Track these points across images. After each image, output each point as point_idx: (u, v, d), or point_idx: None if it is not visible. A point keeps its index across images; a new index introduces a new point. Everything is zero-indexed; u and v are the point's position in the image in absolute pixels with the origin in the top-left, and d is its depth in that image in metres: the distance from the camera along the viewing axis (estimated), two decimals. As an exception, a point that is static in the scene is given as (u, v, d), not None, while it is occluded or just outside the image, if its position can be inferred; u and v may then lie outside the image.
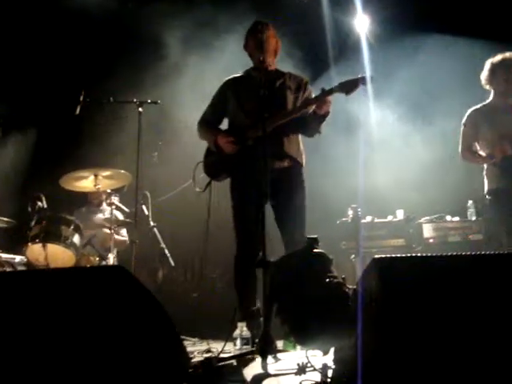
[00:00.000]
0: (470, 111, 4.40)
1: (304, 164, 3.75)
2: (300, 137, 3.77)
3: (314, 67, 5.62)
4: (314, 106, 3.53)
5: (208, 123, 3.86)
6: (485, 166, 4.34)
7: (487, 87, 4.36)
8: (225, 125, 3.89)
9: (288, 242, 3.57)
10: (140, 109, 4.64)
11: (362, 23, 6.20)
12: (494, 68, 4.24)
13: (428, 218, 5.60)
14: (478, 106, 4.39)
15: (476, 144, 4.39)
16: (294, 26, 5.43)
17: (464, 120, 4.42)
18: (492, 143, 4.21)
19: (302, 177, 3.72)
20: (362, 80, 3.41)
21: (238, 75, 3.84)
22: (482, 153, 4.33)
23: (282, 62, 4.12)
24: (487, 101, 4.38)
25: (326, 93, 3.45)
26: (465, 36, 5.75)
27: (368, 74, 3.42)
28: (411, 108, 6.07)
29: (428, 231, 5.51)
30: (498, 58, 4.25)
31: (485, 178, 4.36)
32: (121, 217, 5.47)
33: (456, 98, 5.65)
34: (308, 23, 5.88)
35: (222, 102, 3.82)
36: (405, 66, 5.96)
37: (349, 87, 3.41)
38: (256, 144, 3.49)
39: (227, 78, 3.86)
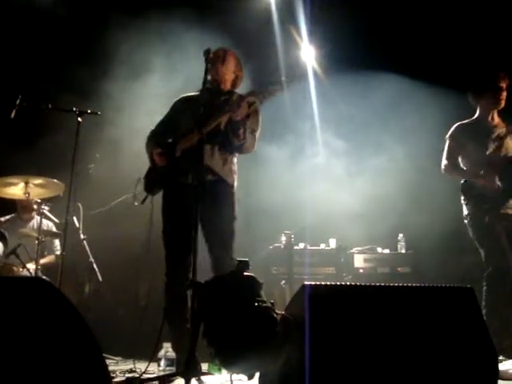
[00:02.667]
0: (456, 125, 4.30)
1: (233, 184, 3.66)
2: (232, 157, 3.69)
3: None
4: (229, 114, 3.46)
5: (155, 137, 3.83)
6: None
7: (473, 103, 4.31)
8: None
9: (214, 260, 3.51)
10: (79, 118, 4.52)
11: (308, 54, 6.34)
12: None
13: (360, 248, 5.72)
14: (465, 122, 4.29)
15: (459, 158, 4.26)
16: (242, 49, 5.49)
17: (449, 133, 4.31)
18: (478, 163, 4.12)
19: (231, 196, 3.63)
20: (275, 83, 3.36)
21: (191, 94, 3.82)
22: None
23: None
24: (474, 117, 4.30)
25: (241, 97, 3.43)
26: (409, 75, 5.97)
27: (282, 77, 3.37)
28: (353, 141, 6.22)
29: (359, 261, 5.63)
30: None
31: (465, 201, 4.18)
32: (52, 227, 5.31)
33: (399, 134, 5.87)
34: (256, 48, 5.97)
35: (172, 118, 3.81)
36: (351, 101, 6.12)
37: (261, 92, 3.40)
38: (182, 157, 3.50)
39: (180, 96, 3.86)
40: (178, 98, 3.88)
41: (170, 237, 3.62)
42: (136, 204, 3.86)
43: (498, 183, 4.01)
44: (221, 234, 3.54)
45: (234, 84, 3.81)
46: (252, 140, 3.61)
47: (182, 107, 3.78)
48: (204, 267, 3.31)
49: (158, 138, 3.80)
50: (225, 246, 3.53)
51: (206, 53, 3.27)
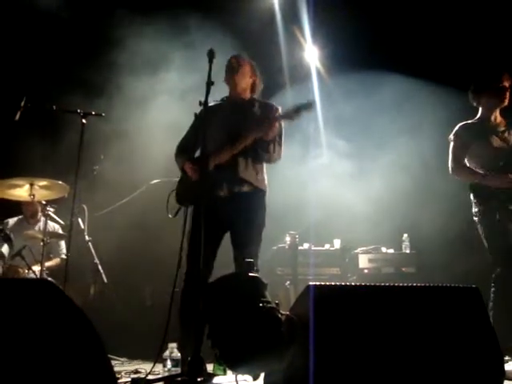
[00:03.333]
0: (460, 124, 4.25)
1: (266, 191, 3.75)
2: (262, 166, 3.77)
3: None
4: (261, 133, 3.56)
5: (183, 150, 3.86)
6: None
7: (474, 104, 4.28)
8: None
9: (238, 265, 3.52)
10: (84, 120, 4.53)
11: (311, 54, 6.34)
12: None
13: (364, 248, 5.71)
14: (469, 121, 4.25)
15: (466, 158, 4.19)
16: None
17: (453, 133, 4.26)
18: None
19: (263, 204, 3.71)
20: (307, 106, 3.48)
21: (213, 104, 3.82)
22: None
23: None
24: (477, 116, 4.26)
25: (274, 118, 3.54)
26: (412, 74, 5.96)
27: (307, 100, 3.50)
28: (357, 141, 6.21)
29: (363, 262, 5.61)
30: None
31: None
32: (58, 229, 5.33)
33: (403, 134, 5.86)
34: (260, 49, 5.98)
35: (196, 129, 3.81)
36: (354, 101, 6.12)
37: (290, 116, 3.51)
38: (215, 171, 3.54)
39: (202, 107, 3.86)
40: (200, 109, 3.85)
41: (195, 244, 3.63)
42: (170, 217, 3.87)
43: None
44: (250, 242, 3.59)
45: (253, 89, 3.86)
46: (279, 150, 3.71)
47: (207, 117, 3.77)
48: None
49: (187, 151, 3.81)
50: (251, 249, 3.56)
51: (210, 54, 3.29)
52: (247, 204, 3.61)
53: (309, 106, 3.49)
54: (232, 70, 3.76)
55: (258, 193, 3.71)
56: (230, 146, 3.53)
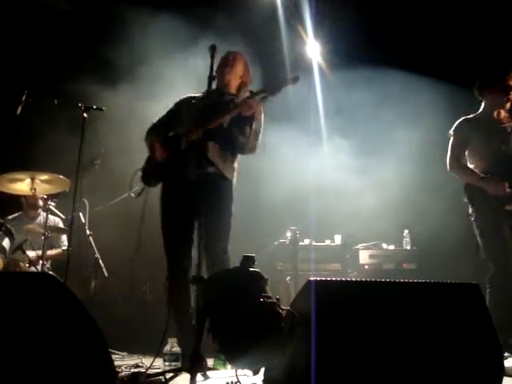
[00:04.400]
0: (460, 120, 4.20)
1: (232, 180, 3.70)
2: (232, 156, 3.72)
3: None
4: (239, 110, 3.52)
5: (155, 131, 3.85)
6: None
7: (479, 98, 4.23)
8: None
9: (208, 254, 3.46)
10: (85, 114, 4.53)
11: (313, 50, 6.33)
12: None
13: (365, 244, 5.72)
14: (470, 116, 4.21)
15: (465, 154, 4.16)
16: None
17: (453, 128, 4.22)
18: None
19: (228, 191, 3.66)
20: (286, 81, 3.44)
21: (197, 94, 3.84)
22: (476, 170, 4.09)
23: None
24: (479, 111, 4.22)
25: (251, 94, 3.51)
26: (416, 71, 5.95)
27: (292, 75, 3.46)
28: (358, 137, 6.20)
29: (364, 257, 5.62)
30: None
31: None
32: (59, 223, 5.34)
33: (404, 130, 5.85)
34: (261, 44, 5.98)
35: (174, 116, 3.83)
36: (356, 96, 6.11)
37: (273, 88, 3.45)
38: (185, 151, 3.50)
39: (186, 95, 3.88)
40: (183, 97, 3.90)
41: (169, 230, 3.64)
42: (132, 195, 3.86)
43: (508, 189, 3.89)
44: (217, 227, 3.55)
45: (239, 89, 3.83)
46: (255, 141, 3.64)
47: (186, 105, 3.80)
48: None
49: (159, 131, 3.82)
50: (220, 240, 3.55)
51: (212, 49, 3.29)
52: (213, 188, 3.51)
53: (294, 79, 3.43)
54: (226, 65, 3.75)
55: (223, 179, 3.63)
56: (203, 124, 3.41)
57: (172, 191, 3.67)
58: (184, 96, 3.90)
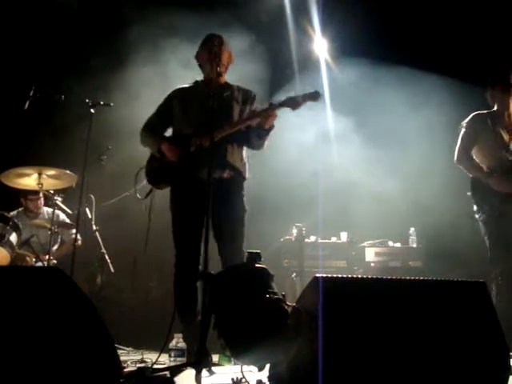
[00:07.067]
0: (473, 114, 4.18)
1: (247, 176, 3.72)
2: (245, 149, 3.74)
3: (272, 84, 5.71)
4: (259, 119, 3.53)
5: (153, 129, 3.81)
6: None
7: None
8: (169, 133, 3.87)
9: (224, 255, 3.53)
10: (92, 110, 4.54)
11: (320, 46, 6.32)
12: None
13: (371, 242, 5.71)
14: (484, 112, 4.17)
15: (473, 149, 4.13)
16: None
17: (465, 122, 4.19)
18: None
19: (243, 189, 3.68)
20: (309, 96, 3.43)
21: (186, 86, 3.83)
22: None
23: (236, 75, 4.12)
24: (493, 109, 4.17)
25: (273, 107, 3.47)
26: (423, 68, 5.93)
27: (314, 90, 3.44)
28: (366, 135, 6.19)
29: (370, 255, 5.62)
30: None
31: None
32: (64, 219, 5.35)
33: (412, 128, 5.83)
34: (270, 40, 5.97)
35: (168, 110, 3.79)
36: (365, 92, 6.10)
37: (295, 103, 3.43)
38: (198, 152, 3.49)
39: (175, 88, 3.85)
40: (172, 90, 3.85)
41: (181, 228, 3.63)
42: (139, 198, 3.85)
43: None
44: (233, 225, 3.56)
45: (227, 66, 3.78)
46: (266, 140, 3.67)
47: (180, 99, 3.76)
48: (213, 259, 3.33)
49: (156, 131, 3.79)
50: (236, 239, 3.55)
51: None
52: (228, 189, 3.54)
53: (316, 95, 3.43)
54: (213, 52, 3.50)
55: (240, 178, 3.66)
56: (218, 129, 3.31)
57: (184, 192, 3.62)
58: (173, 89, 3.85)
